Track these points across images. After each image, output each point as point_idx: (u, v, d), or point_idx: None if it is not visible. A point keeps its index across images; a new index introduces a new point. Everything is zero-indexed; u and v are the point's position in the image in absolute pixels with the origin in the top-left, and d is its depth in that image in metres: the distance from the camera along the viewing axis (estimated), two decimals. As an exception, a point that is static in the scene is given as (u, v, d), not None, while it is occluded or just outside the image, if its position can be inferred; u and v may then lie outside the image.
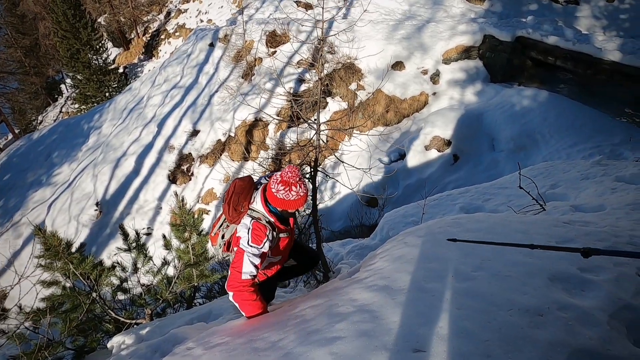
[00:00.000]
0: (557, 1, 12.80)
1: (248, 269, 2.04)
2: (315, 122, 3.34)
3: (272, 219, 2.13)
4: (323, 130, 3.53)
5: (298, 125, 10.46)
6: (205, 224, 11.13)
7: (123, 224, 4.67)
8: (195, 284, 4.54)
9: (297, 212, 2.29)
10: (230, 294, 2.08)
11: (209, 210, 11.66)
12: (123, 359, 2.44)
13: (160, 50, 25.25)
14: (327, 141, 9.95)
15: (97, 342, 4.20)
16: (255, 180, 2.31)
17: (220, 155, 12.54)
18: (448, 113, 10.17)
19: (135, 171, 13.08)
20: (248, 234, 2.06)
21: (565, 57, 9.26)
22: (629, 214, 2.72)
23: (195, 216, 4.42)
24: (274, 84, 12.45)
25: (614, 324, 1.51)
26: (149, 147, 13.60)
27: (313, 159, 3.85)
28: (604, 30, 11.64)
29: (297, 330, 1.67)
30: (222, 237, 2.37)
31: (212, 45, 15.85)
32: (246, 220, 2.10)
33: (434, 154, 9.68)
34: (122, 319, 4.26)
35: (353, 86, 11.73)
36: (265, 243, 2.07)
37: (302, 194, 2.05)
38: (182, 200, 4.18)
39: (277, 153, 9.35)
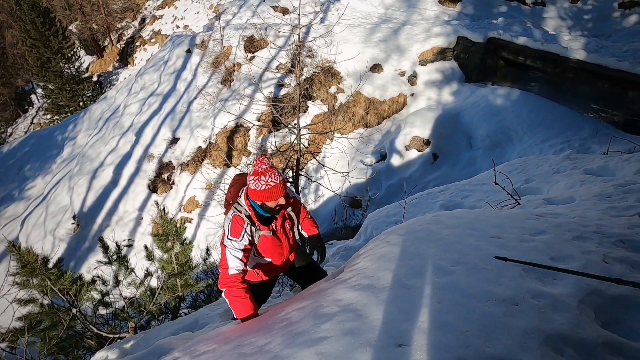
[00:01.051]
0: (525, 3, 13.33)
1: (233, 264, 2.05)
2: (296, 126, 3.37)
3: (250, 213, 2.12)
4: (304, 134, 3.57)
5: (279, 130, 10.47)
6: (189, 233, 10.96)
7: (102, 236, 4.55)
8: (180, 294, 4.47)
9: (279, 211, 2.18)
10: (223, 290, 2.11)
11: (192, 219, 11.49)
12: (107, 374, 2.38)
13: (136, 58, 24.75)
14: (308, 145, 10.00)
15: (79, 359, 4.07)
16: None
17: (202, 162, 12.39)
18: (426, 113, 10.40)
19: (114, 182, 12.76)
20: (228, 227, 2.08)
21: (534, 56, 9.64)
22: (596, 204, 2.87)
23: (178, 225, 4.36)
24: (253, 89, 12.42)
25: (583, 309, 1.60)
26: (127, 156, 13.29)
27: (295, 163, 3.88)
28: (569, 30, 12.18)
29: (284, 333, 1.69)
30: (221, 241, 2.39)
31: (189, 51, 15.68)
32: (229, 214, 2.14)
33: (414, 153, 9.87)
34: (104, 334, 4.15)
35: (333, 89, 11.84)
36: (243, 236, 2.06)
37: (272, 183, 1.99)
38: (164, 209, 4.12)
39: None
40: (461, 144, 9.43)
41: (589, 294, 1.68)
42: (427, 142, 9.97)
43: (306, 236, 2.53)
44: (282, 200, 2.09)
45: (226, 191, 2.35)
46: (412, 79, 11.68)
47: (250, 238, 2.11)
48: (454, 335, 1.44)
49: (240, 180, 2.31)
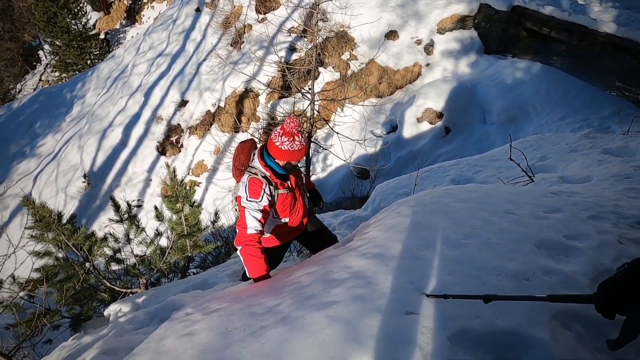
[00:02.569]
0: (556, -32, 12.43)
1: (252, 224, 2.10)
2: (310, 92, 3.28)
3: (267, 173, 2.17)
4: (317, 101, 3.48)
5: (290, 95, 10.26)
6: (198, 196, 11.12)
7: (113, 195, 4.63)
8: (189, 255, 4.60)
9: (298, 169, 2.34)
10: (238, 248, 2.15)
11: (200, 183, 11.60)
12: (121, 325, 2.50)
13: (144, 15, 24.01)
14: (319, 112, 9.84)
15: (93, 311, 4.28)
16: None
17: (210, 126, 12.32)
18: (441, 85, 10.07)
19: (123, 142, 12.82)
20: (245, 189, 2.12)
21: (560, 28, 9.13)
22: (613, 184, 2.80)
23: (188, 187, 4.40)
24: (264, 52, 12.07)
25: (595, 288, 1.59)
26: (135, 117, 13.25)
27: (307, 131, 3.82)
28: (600, 1, 11.44)
29: (294, 296, 1.72)
30: (236, 199, 2.41)
31: (198, 10, 15.14)
32: (244, 178, 2.18)
33: (426, 126, 9.67)
34: (117, 289, 4.33)
35: (345, 56, 11.45)
36: (262, 197, 2.11)
37: (304, 143, 2.15)
38: (174, 171, 4.14)
39: (268, 124, 9.22)
40: (475, 118, 9.18)
41: (602, 273, 1.67)
42: (439, 115, 9.72)
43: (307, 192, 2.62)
44: (302, 159, 2.27)
45: (233, 159, 2.35)
46: (429, 48, 11.21)
47: (269, 198, 2.16)
48: (463, 306, 1.45)
49: (247, 147, 2.32)
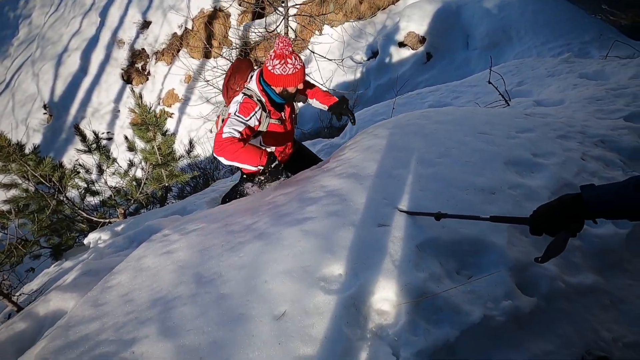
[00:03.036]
0: None
1: (227, 130, 1.91)
2: (283, 5, 2.98)
3: (263, 99, 2.04)
4: (292, 16, 3.19)
5: (263, 17, 9.40)
6: (170, 125, 10.70)
7: (79, 125, 4.35)
8: (166, 184, 4.55)
9: (295, 96, 2.14)
10: (220, 158, 1.94)
11: (172, 114, 11.08)
12: (100, 250, 2.53)
13: None
14: (295, 36, 9.18)
15: (73, 240, 4.30)
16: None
17: (178, 51, 11.37)
18: (425, 6, 9.44)
19: (82, 69, 11.76)
20: (236, 105, 1.98)
21: (555, -60, 8.44)
22: (585, 107, 2.85)
23: (158, 115, 4.18)
24: (232, -36, 10.71)
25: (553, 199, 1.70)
26: (93, 41, 12.01)
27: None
28: None
29: (270, 215, 1.75)
30: (223, 120, 2.23)
31: None
32: (238, 97, 2.03)
33: (407, 51, 9.29)
34: (95, 219, 4.32)
35: (324, -30, 10.35)
36: (252, 117, 1.97)
37: (299, 66, 1.95)
38: (140, 97, 3.88)
39: (242, 48, 8.57)
40: (457, 43, 8.84)
41: (562, 187, 1.77)
42: (422, 40, 9.29)
43: (326, 108, 2.36)
44: (301, 85, 2.04)
45: (226, 77, 2.15)
46: (415, -38, 10.26)
47: (257, 123, 2.02)
48: (432, 218, 1.52)
49: (243, 66, 2.14)
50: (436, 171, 1.81)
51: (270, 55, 1.95)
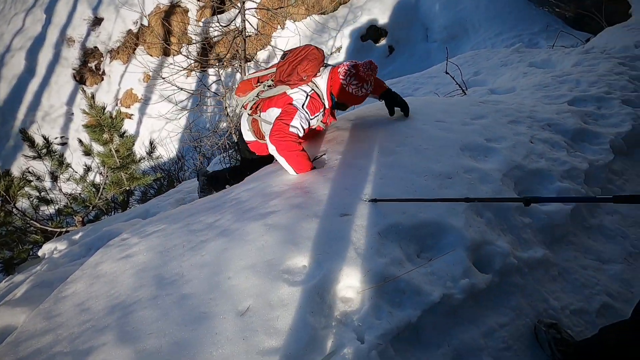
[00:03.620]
0: None
1: (297, 124, 1.88)
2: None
3: (327, 104, 2.01)
4: (250, 9, 3.13)
5: (222, 11, 9.17)
6: (130, 126, 10.23)
7: (26, 129, 4.05)
8: (127, 188, 4.36)
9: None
10: (272, 147, 1.86)
11: (132, 115, 10.59)
12: (55, 261, 2.38)
13: None
14: (257, 32, 9.02)
15: (26, 253, 4.02)
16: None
17: (135, 49, 10.86)
18: (386, 0, 9.60)
19: (29, 71, 10.97)
20: (305, 99, 1.93)
21: (504, -64, 8.82)
22: (533, 93, 3.02)
23: (114, 115, 3.98)
24: (188, -43, 10.35)
25: (506, 180, 1.79)
26: (39, 39, 11.21)
27: (240, 47, 3.50)
28: None
29: (233, 211, 1.73)
30: (257, 95, 2.12)
31: None
32: (306, 88, 1.96)
33: (370, 45, 9.40)
34: (50, 229, 4.06)
35: (283, -36, 10.23)
36: (316, 117, 1.96)
37: (370, 90, 1.97)
38: (92, 97, 3.67)
39: (202, 44, 8.31)
40: (418, 35, 9.07)
41: (513, 169, 1.86)
42: (384, 33, 9.45)
43: (377, 98, 2.29)
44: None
45: (295, 58, 2.01)
46: (373, -44, 10.37)
47: (315, 122, 2.03)
48: (393, 204, 1.56)
49: (319, 57, 2.00)
50: (395, 159, 1.86)
51: (350, 70, 1.90)
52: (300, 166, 1.88)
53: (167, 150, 6.97)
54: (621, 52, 3.79)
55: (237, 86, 2.33)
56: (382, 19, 9.23)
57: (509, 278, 1.43)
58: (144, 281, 1.43)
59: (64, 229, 4.14)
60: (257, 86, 2.17)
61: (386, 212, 1.53)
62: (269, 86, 2.11)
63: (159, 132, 9.38)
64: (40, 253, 3.38)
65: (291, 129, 1.87)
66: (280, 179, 1.91)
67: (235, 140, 3.90)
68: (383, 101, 2.28)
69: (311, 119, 1.95)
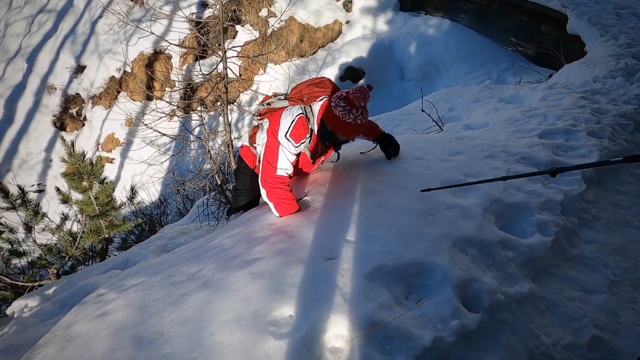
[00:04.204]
0: None
1: (284, 165, 1.86)
2: (220, 48, 3.04)
3: (316, 128, 1.91)
4: (230, 57, 3.25)
5: (205, 58, 9.48)
6: (111, 173, 10.06)
7: (0, 181, 3.94)
8: (106, 236, 4.21)
9: (340, 145, 2.05)
10: (264, 192, 1.89)
11: (113, 159, 10.48)
12: (25, 321, 2.22)
13: (12, -39, 19.61)
14: (240, 74, 9.31)
15: (-6, 312, 3.75)
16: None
17: (117, 95, 10.96)
18: (361, 43, 10.17)
19: (7, 119, 10.84)
20: (290, 125, 1.85)
21: (465, -15, 9.67)
22: (505, 128, 3.17)
23: (94, 162, 3.93)
24: (172, 7, 10.81)
25: (486, 215, 1.83)
26: (20, 87, 11.20)
27: (222, 91, 3.59)
28: (498, -41, 12.26)
29: (216, 259, 1.68)
30: (269, 104, 2.09)
31: (84, -45, 12.79)
32: (296, 110, 1.90)
33: (349, 85, 9.80)
34: (21, 284, 3.84)
35: (264, 12, 10.82)
36: (302, 143, 1.87)
37: (359, 121, 1.79)
38: (72, 145, 3.64)
39: (185, 89, 8.48)
40: (394, 75, 9.55)
41: (492, 203, 1.91)
42: (362, 74, 9.91)
43: (372, 141, 2.29)
44: (353, 138, 1.96)
45: (308, 83, 2.01)
46: (348, 4, 11.11)
47: (303, 149, 1.93)
48: (377, 245, 1.56)
49: (325, 84, 1.99)
50: (378, 198, 1.88)
51: (341, 94, 1.82)
52: (287, 212, 1.89)
53: (149, 194, 6.85)
54: (581, 86, 4.07)
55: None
56: (359, 61, 9.71)
57: (498, 315, 1.42)
58: (121, 342, 1.35)
59: (36, 283, 3.91)
60: (273, 98, 2.18)
61: (371, 253, 1.52)
62: (280, 99, 2.11)
63: (141, 175, 9.25)
64: (9, 311, 3.16)
65: (279, 172, 1.87)
66: (264, 223, 1.89)
67: (219, 183, 3.88)
68: (377, 144, 2.28)
69: (297, 147, 1.87)
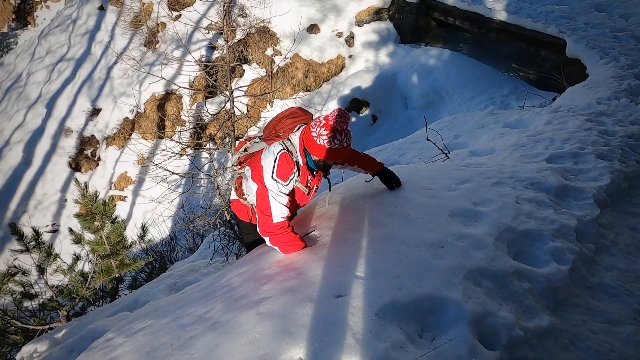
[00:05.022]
0: (454, -37, 13.55)
1: (278, 211, 1.80)
2: (228, 88, 3.16)
3: (301, 160, 1.86)
4: (237, 97, 3.37)
5: (214, 96, 9.85)
6: (123, 211, 10.22)
7: (16, 223, 4.03)
8: (117, 275, 4.21)
9: (329, 169, 1.96)
10: (266, 238, 1.86)
11: (125, 197, 10.67)
12: (34, 367, 2.19)
13: (37, 17, 21.11)
14: (248, 111, 9.60)
15: (3, 358, 3.71)
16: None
17: (130, 135, 11.35)
18: (364, 75, 10.47)
19: (26, 162, 11.25)
20: (274, 164, 1.79)
21: (462, 17, 10.02)
22: (512, 153, 3.16)
23: (106, 202, 4.00)
24: (183, 51, 11.40)
25: (498, 245, 1.78)
26: (38, 132, 11.71)
27: (231, 129, 3.70)
28: (493, -9, 12.76)
29: (224, 299, 1.66)
30: (245, 150, 2.06)
31: (102, 8, 13.77)
32: (275, 148, 1.83)
33: (354, 116, 9.99)
34: (32, 327, 3.81)
35: (269, 51, 11.31)
36: (291, 180, 1.81)
37: (345, 144, 1.75)
38: (85, 186, 3.73)
39: (195, 127, 8.75)
40: (398, 104, 9.73)
41: (503, 231, 1.87)
42: (366, 104, 10.13)
43: (371, 176, 2.28)
44: (343, 162, 1.92)
45: (278, 118, 1.96)
46: (350, 40, 11.56)
47: (293, 184, 1.87)
48: (387, 280, 1.52)
49: (299, 114, 1.95)
50: (386, 231, 1.86)
51: (320, 122, 1.74)
52: (293, 251, 1.86)
53: (160, 231, 6.89)
54: (586, 109, 4.08)
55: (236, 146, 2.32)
56: (363, 92, 9.96)
57: (518, 352, 1.35)
58: (128, 390, 1.31)
59: (46, 326, 3.88)
60: (248, 143, 2.15)
61: (382, 289, 1.48)
62: (256, 142, 2.09)
63: (152, 212, 9.37)
64: (18, 358, 3.12)
65: (275, 220, 1.81)
66: (272, 260, 1.87)
67: (228, 218, 3.90)
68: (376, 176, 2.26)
69: (287, 185, 1.81)
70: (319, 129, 1.73)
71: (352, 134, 1.81)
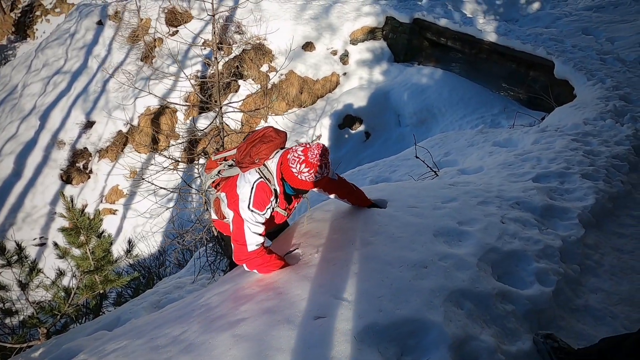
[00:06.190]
0: (446, -14, 13.98)
1: (252, 240, 1.78)
2: (217, 104, 3.17)
3: (278, 188, 1.84)
4: (227, 113, 3.38)
5: (209, 110, 9.89)
6: (113, 225, 10.07)
7: (1, 236, 3.94)
8: (101, 291, 4.10)
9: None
10: (243, 265, 1.84)
11: (116, 210, 10.54)
12: (4, 389, 2.09)
13: (37, 30, 21.30)
14: (242, 125, 9.64)
15: (-23, 378, 3.56)
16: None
17: (123, 148, 11.31)
18: (358, 92, 10.60)
19: (16, 173, 11.11)
20: (251, 194, 1.76)
21: (454, 37, 10.27)
22: (499, 172, 3.18)
23: (91, 217, 3.94)
24: (177, 68, 11.51)
25: (482, 265, 1.76)
26: (30, 144, 11.61)
27: (220, 145, 3.69)
28: (484, 14, 13.15)
29: (201, 320, 1.61)
30: (219, 172, 2.02)
31: (100, 23, 13.92)
32: (252, 177, 1.80)
33: (347, 132, 10.07)
34: (9, 345, 3.68)
35: (264, 68, 11.45)
36: (267, 210, 1.80)
37: (326, 173, 1.76)
38: (71, 200, 3.67)
39: (187, 142, 8.75)
40: (391, 121, 9.84)
41: (487, 252, 1.85)
42: (360, 121, 10.22)
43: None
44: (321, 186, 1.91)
45: (251, 140, 1.89)
46: (344, 58, 11.76)
47: (271, 212, 1.86)
48: (368, 301, 1.49)
49: (274, 138, 1.88)
50: (370, 250, 1.84)
51: (299, 157, 1.72)
52: (272, 271, 1.84)
53: (149, 245, 6.78)
54: (572, 129, 4.14)
55: (205, 164, 2.28)
56: (357, 109, 10.06)
57: (500, 379, 1.32)
58: (93, 417, 1.25)
59: (24, 345, 3.75)
60: (220, 164, 2.10)
61: (362, 311, 1.45)
62: (230, 165, 2.05)
63: (143, 225, 9.24)
64: (-9, 378, 3.00)
65: (249, 248, 1.79)
66: (253, 279, 1.84)
67: (215, 234, 3.85)
68: None
69: (263, 214, 1.80)
70: (299, 165, 1.71)
71: (330, 164, 1.80)
